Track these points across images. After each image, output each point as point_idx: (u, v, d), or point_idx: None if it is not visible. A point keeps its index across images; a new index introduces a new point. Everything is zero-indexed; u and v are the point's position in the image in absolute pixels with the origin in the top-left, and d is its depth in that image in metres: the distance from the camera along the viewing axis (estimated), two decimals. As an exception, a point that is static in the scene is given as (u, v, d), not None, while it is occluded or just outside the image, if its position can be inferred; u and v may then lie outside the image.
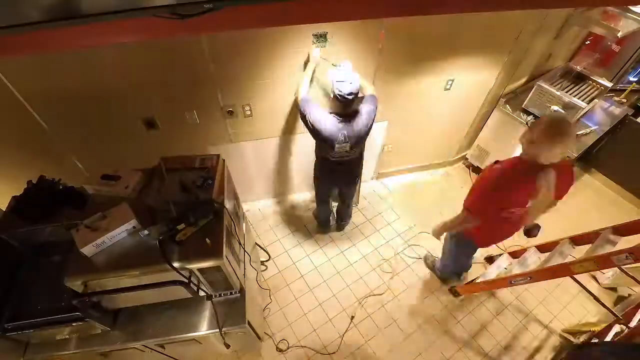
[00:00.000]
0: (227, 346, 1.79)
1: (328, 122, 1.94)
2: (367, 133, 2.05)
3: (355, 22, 2.02)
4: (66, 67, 1.72)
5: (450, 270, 2.65)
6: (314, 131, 1.98)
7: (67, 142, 2.07)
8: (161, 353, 1.83)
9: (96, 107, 1.94)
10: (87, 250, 1.32)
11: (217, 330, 1.65)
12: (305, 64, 2.07)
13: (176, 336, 1.68)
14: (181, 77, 1.96)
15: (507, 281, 2.18)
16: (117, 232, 1.36)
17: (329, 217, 3.00)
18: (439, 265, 2.70)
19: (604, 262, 1.66)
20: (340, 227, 3.07)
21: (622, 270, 1.89)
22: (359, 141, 2.06)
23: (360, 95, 1.97)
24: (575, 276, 2.22)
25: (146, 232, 1.35)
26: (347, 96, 1.85)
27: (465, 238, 2.10)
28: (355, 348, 2.42)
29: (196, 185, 1.52)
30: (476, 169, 3.43)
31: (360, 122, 1.98)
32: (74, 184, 1.72)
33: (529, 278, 2.05)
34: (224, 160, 1.78)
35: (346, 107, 1.93)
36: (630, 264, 1.56)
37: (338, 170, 2.27)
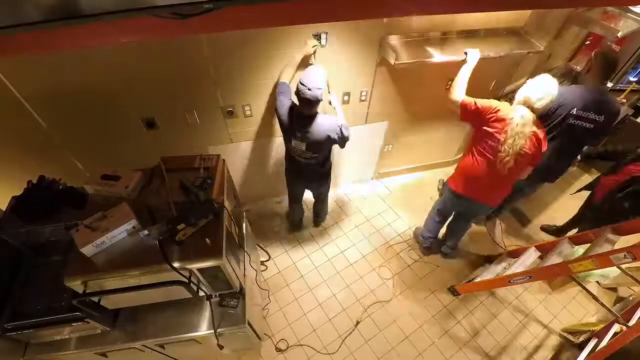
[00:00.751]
0: (221, 347, 1.78)
1: (286, 113, 1.98)
2: (325, 143, 2.03)
3: (355, 22, 2.02)
4: (66, 67, 1.72)
5: (423, 234, 2.83)
6: (277, 115, 2.03)
7: (67, 142, 2.07)
8: (161, 353, 1.83)
9: (96, 107, 1.94)
10: (87, 250, 1.32)
11: (218, 330, 1.65)
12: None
13: (176, 336, 1.68)
14: (181, 77, 1.96)
15: (507, 280, 2.19)
16: (117, 232, 1.36)
17: (301, 218, 3.01)
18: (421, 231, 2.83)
19: (603, 261, 1.67)
20: (316, 223, 3.10)
21: (621, 269, 1.89)
22: (316, 147, 2.05)
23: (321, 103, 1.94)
24: (575, 276, 2.23)
25: (146, 232, 1.35)
26: (307, 98, 1.83)
27: (446, 184, 2.30)
28: (355, 348, 2.42)
29: (196, 186, 1.53)
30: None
31: (318, 129, 1.97)
32: (74, 184, 1.72)
33: (528, 277, 2.05)
34: (224, 160, 1.78)
35: (302, 107, 1.92)
36: (628, 262, 1.57)
37: (303, 171, 2.29)
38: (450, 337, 2.50)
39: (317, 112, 1.97)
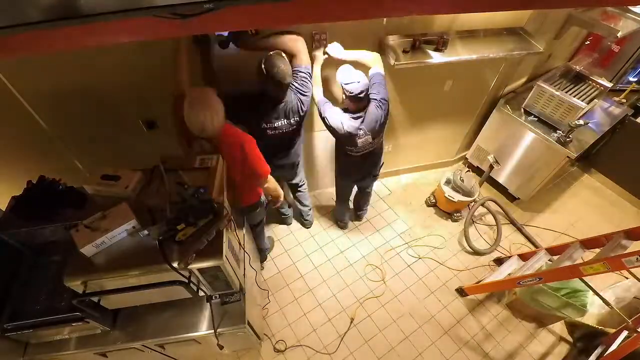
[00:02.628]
0: (221, 347, 1.78)
1: (345, 121, 2.01)
2: (385, 119, 2.09)
3: (355, 22, 2.02)
4: (66, 67, 1.72)
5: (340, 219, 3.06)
6: (334, 131, 2.06)
7: (67, 142, 2.07)
8: (161, 353, 1.83)
9: (96, 107, 1.94)
10: (87, 250, 1.31)
11: (218, 330, 1.65)
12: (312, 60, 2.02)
13: (176, 336, 1.68)
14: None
15: (516, 282, 2.16)
16: (117, 232, 1.36)
17: (349, 216, 3.08)
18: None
19: (614, 264, 1.63)
20: (359, 217, 3.14)
21: (631, 274, 1.84)
22: (380, 130, 2.12)
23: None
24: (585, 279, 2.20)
25: (146, 232, 1.35)
26: (358, 95, 1.92)
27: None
28: (355, 348, 2.42)
29: (189, 194, 1.48)
30: (476, 169, 3.42)
31: (375, 112, 2.03)
32: (74, 184, 1.71)
33: (538, 279, 2.02)
34: (223, 160, 1.78)
35: (359, 104, 2.00)
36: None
37: (363, 163, 2.32)
38: (450, 337, 2.49)
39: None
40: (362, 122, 2.02)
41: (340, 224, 3.09)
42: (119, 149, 2.16)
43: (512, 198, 3.33)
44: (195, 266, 1.38)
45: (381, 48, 2.20)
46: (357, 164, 2.32)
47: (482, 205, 3.16)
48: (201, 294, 1.55)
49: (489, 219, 3.20)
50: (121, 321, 1.69)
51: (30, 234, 1.61)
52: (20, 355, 1.58)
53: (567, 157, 2.66)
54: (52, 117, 1.92)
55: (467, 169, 3.08)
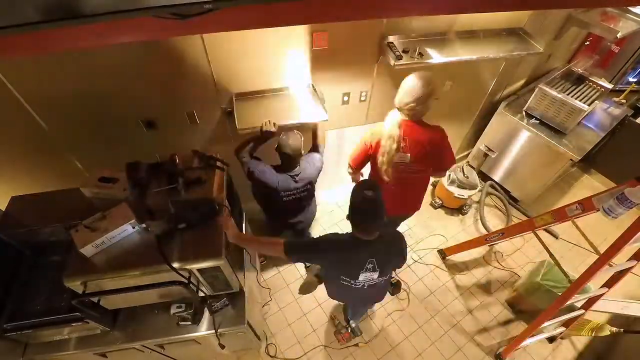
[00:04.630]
0: (222, 347, 1.78)
1: (280, 179, 2.02)
2: (317, 176, 2.15)
3: (355, 22, 2.02)
4: (66, 68, 1.72)
5: None
6: (266, 187, 2.02)
7: (67, 142, 2.07)
8: (160, 353, 1.83)
9: (96, 108, 1.94)
10: (87, 250, 1.31)
11: (218, 330, 1.65)
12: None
13: (175, 336, 1.68)
14: (181, 77, 1.96)
15: (484, 239, 2.51)
16: (117, 232, 1.36)
17: None
18: None
19: (559, 214, 1.90)
20: None
21: (575, 224, 1.96)
22: (310, 182, 2.14)
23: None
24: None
25: (145, 231, 1.35)
26: (290, 153, 1.94)
27: None
28: (355, 349, 2.42)
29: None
30: (476, 170, 3.43)
31: (308, 171, 2.08)
32: (74, 184, 1.71)
33: (501, 234, 2.35)
34: (223, 159, 1.78)
35: (291, 162, 2.01)
36: (579, 215, 1.76)
37: (290, 208, 2.24)
38: (450, 337, 2.49)
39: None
40: (295, 179, 2.04)
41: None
42: (118, 148, 2.15)
43: (514, 200, 3.34)
44: (195, 266, 1.38)
45: (381, 48, 2.20)
46: (286, 209, 2.23)
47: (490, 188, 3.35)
48: (201, 294, 1.55)
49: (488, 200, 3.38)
50: (121, 321, 1.69)
51: (30, 234, 1.61)
52: (20, 355, 1.58)
53: (570, 159, 2.66)
54: (52, 118, 1.91)
55: (465, 163, 3.19)
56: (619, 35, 2.29)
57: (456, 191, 3.04)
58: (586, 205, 1.72)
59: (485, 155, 3.09)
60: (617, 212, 1.55)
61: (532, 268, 2.58)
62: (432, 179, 3.04)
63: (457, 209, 3.27)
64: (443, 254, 2.93)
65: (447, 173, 3.12)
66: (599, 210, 1.64)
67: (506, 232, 2.33)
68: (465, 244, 2.72)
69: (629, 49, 3.12)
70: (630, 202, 1.48)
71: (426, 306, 2.65)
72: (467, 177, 3.05)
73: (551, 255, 2.07)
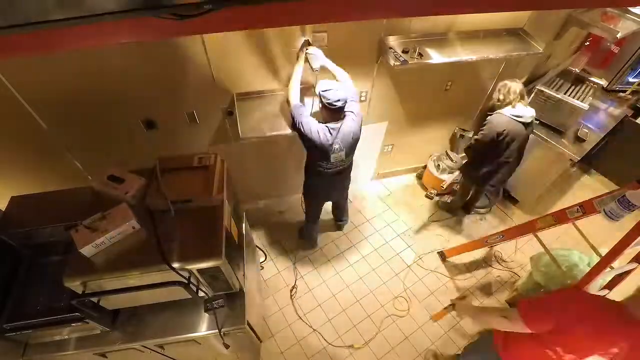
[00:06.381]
0: (227, 346, 1.78)
1: (321, 132, 1.92)
2: (359, 135, 2.04)
3: (355, 22, 2.02)
4: (66, 68, 1.72)
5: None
6: (308, 141, 1.93)
7: (67, 143, 2.07)
8: (160, 353, 1.83)
9: (96, 108, 1.94)
10: (87, 250, 1.31)
11: (216, 330, 1.64)
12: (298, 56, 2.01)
13: (175, 337, 1.68)
14: (181, 77, 1.96)
15: (483, 241, 2.52)
16: (117, 232, 1.36)
17: (317, 234, 2.95)
18: None
19: (560, 216, 1.89)
20: (340, 226, 3.07)
21: (575, 226, 1.92)
22: (353, 145, 2.06)
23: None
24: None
25: (145, 230, 1.35)
26: (335, 103, 1.85)
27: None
28: (355, 349, 2.42)
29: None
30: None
31: (351, 125, 1.97)
32: (74, 184, 1.72)
33: (501, 236, 2.34)
34: (222, 159, 1.77)
35: (335, 114, 1.93)
36: (580, 217, 1.76)
37: (334, 181, 2.23)
38: (450, 337, 2.49)
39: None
40: (338, 134, 1.94)
41: (310, 243, 2.97)
42: (118, 149, 2.16)
43: (514, 201, 3.34)
44: (194, 266, 1.38)
45: (381, 48, 2.20)
46: (330, 183, 2.22)
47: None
48: (201, 294, 1.55)
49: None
50: (121, 321, 1.68)
51: (30, 234, 1.61)
52: (20, 355, 1.58)
53: (570, 159, 2.66)
54: (52, 118, 1.92)
55: (446, 150, 3.26)
56: (618, 35, 2.29)
57: (449, 178, 3.01)
58: (587, 208, 1.71)
59: (461, 136, 3.12)
60: (618, 215, 1.52)
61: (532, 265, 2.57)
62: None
63: (450, 191, 3.25)
64: (443, 255, 2.93)
65: (436, 164, 3.22)
66: (599, 213, 1.63)
67: (506, 235, 2.33)
68: (465, 246, 2.72)
69: (628, 50, 3.11)
70: (632, 205, 1.46)
71: (426, 307, 2.65)
72: (454, 161, 3.12)
73: (551, 256, 2.07)
